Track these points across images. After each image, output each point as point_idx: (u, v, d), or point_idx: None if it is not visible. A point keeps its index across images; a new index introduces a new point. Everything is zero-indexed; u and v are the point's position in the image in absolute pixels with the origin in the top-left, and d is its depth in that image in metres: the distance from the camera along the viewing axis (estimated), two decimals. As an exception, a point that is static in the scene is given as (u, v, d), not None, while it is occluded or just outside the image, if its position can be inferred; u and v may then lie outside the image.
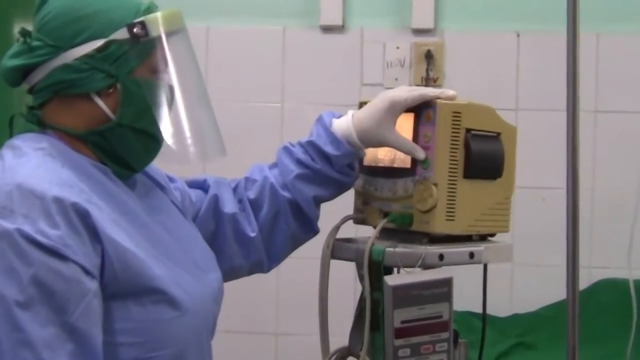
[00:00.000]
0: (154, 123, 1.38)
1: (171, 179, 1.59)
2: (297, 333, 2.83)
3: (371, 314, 1.41)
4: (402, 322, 1.38)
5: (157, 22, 1.38)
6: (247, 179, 1.62)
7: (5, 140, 1.40)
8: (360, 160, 1.57)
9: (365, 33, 2.86)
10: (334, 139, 1.53)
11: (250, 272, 1.64)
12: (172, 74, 1.40)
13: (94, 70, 1.35)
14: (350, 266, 1.47)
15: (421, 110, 1.47)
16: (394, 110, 1.48)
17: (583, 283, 2.05)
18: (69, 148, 1.37)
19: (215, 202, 1.59)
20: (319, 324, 1.50)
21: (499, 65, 2.84)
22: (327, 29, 2.87)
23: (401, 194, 1.48)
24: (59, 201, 1.26)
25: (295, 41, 2.87)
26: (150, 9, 1.40)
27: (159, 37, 1.38)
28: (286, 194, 1.57)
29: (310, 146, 1.56)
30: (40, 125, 1.39)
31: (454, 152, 1.46)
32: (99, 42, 1.35)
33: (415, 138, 1.47)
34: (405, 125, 1.49)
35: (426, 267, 1.42)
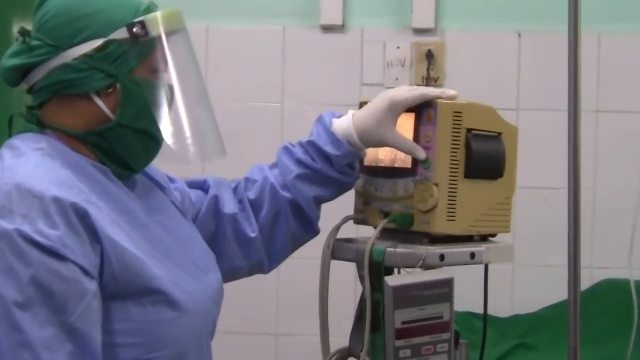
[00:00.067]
0: (153, 123, 1.38)
1: (171, 180, 1.59)
2: (297, 334, 2.83)
3: (372, 315, 1.41)
4: (403, 323, 1.37)
5: (157, 21, 1.37)
6: (247, 180, 1.61)
7: (5, 140, 1.39)
8: (361, 161, 1.57)
9: (365, 33, 2.86)
10: (334, 139, 1.53)
11: (250, 273, 1.63)
12: (172, 74, 1.40)
13: (94, 70, 1.35)
14: (351, 267, 1.47)
15: (422, 110, 1.47)
16: (395, 110, 1.48)
17: (584, 284, 2.05)
18: (68, 148, 1.36)
19: (216, 202, 1.59)
20: (319, 324, 1.50)
21: (500, 65, 2.84)
22: (328, 29, 2.86)
23: (402, 194, 1.48)
24: (58, 201, 1.25)
25: (295, 41, 2.87)
26: (150, 9, 1.39)
27: (159, 37, 1.38)
28: (287, 194, 1.56)
29: (311, 146, 1.55)
30: (40, 125, 1.39)
31: (455, 152, 1.45)
32: (99, 42, 1.35)
33: (416, 138, 1.47)
34: (406, 125, 1.48)
35: (427, 267, 1.42)
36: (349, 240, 1.51)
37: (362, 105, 1.55)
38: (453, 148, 1.45)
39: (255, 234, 1.58)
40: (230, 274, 1.58)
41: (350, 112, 1.55)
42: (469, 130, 1.46)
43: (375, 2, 2.86)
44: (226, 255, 1.58)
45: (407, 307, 1.37)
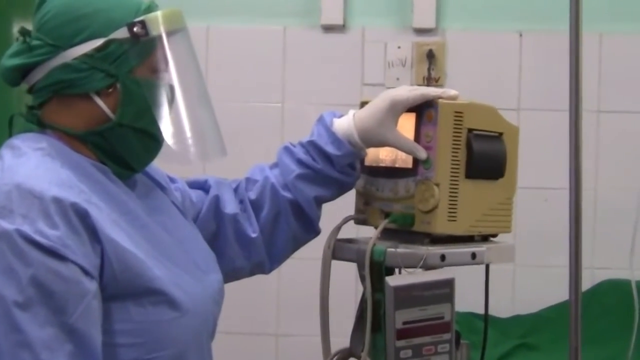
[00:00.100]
0: (154, 123, 1.38)
1: (172, 180, 1.58)
2: (298, 334, 2.83)
3: (372, 315, 1.41)
4: (404, 323, 1.37)
5: (158, 21, 1.37)
6: (247, 180, 1.61)
7: (5, 140, 1.39)
8: (362, 161, 1.56)
9: (366, 32, 2.85)
10: (335, 138, 1.52)
11: (251, 273, 1.63)
12: (172, 73, 1.40)
13: (94, 69, 1.34)
14: (352, 267, 1.46)
15: (423, 110, 1.47)
16: (395, 109, 1.48)
17: (585, 284, 2.05)
18: (68, 148, 1.36)
19: (216, 202, 1.59)
20: (320, 325, 1.50)
21: (501, 65, 2.84)
22: (328, 29, 2.86)
23: (403, 194, 1.48)
24: (58, 201, 1.25)
25: (296, 41, 2.87)
26: (150, 8, 1.39)
27: (159, 37, 1.38)
28: (287, 194, 1.56)
29: (311, 146, 1.55)
30: (40, 125, 1.38)
31: (456, 152, 1.45)
32: (99, 42, 1.35)
33: (417, 138, 1.47)
34: (406, 125, 1.48)
35: (428, 267, 1.41)
36: (350, 240, 1.51)
37: (362, 105, 1.55)
38: (454, 148, 1.45)
39: (256, 234, 1.58)
40: (231, 274, 1.58)
41: (351, 112, 1.54)
42: (470, 130, 1.46)
43: (376, 2, 2.86)
44: (227, 255, 1.58)
45: (408, 307, 1.37)
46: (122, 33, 1.35)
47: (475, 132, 1.46)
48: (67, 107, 1.37)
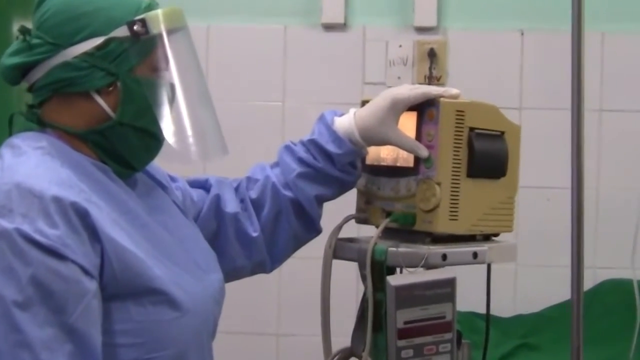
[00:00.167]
0: (154, 122, 1.38)
1: (173, 179, 1.58)
2: (298, 334, 2.83)
3: (374, 315, 1.40)
4: (405, 322, 1.37)
5: (158, 19, 1.37)
6: (248, 179, 1.61)
7: (5, 139, 1.39)
8: (363, 159, 1.56)
9: (367, 31, 2.85)
10: (336, 137, 1.52)
11: (252, 273, 1.63)
12: (173, 72, 1.39)
13: (94, 68, 1.34)
14: (353, 266, 1.46)
15: (424, 108, 1.46)
16: (397, 108, 1.47)
17: (587, 283, 2.04)
18: (68, 147, 1.36)
19: (217, 201, 1.58)
20: (321, 324, 1.49)
21: (503, 64, 2.83)
22: (329, 27, 2.86)
23: (404, 193, 1.47)
24: (58, 200, 1.25)
25: (296, 39, 2.87)
26: (151, 7, 1.39)
27: (160, 35, 1.37)
28: (288, 193, 1.56)
29: (312, 145, 1.55)
30: (40, 123, 1.38)
31: (457, 151, 1.44)
32: (99, 40, 1.34)
33: (418, 137, 1.46)
34: (408, 123, 1.48)
35: (429, 267, 1.41)
36: (351, 240, 1.51)
37: (363, 103, 1.54)
38: (455, 147, 1.44)
39: (256, 233, 1.58)
40: (231, 274, 1.58)
41: (352, 110, 1.54)
42: (472, 129, 1.46)
43: (377, 1, 2.86)
44: (228, 254, 1.57)
45: (409, 306, 1.37)
46: (122, 31, 1.35)
47: (476, 131, 1.46)
48: (68, 106, 1.36)
